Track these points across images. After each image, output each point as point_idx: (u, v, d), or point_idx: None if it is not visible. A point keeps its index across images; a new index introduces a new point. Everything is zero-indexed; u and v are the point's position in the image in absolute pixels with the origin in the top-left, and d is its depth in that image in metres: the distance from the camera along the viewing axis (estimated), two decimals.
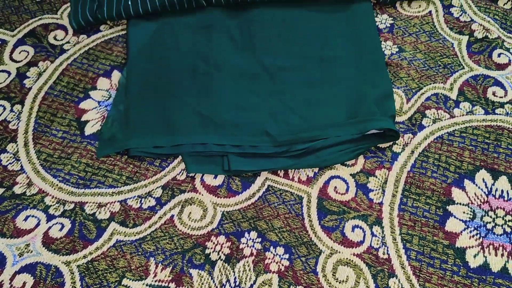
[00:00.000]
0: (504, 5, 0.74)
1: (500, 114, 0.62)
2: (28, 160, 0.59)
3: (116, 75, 0.66)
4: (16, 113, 0.63)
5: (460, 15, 0.72)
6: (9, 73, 0.67)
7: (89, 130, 0.62)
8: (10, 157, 0.59)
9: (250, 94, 0.63)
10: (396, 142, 0.60)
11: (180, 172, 0.58)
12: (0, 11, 0.74)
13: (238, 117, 0.60)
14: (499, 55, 0.68)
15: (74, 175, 0.58)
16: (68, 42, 0.70)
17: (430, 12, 0.72)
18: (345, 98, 0.61)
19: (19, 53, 0.69)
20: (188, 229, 0.54)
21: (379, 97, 0.61)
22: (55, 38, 0.70)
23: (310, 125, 0.59)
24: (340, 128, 0.58)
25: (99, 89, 0.65)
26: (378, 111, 0.59)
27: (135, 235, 0.53)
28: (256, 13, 0.70)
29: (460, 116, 0.62)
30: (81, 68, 0.67)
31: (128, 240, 0.53)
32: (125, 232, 0.54)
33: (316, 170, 0.58)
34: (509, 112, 0.62)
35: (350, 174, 0.58)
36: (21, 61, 0.68)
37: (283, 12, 0.70)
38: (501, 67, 0.67)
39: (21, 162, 0.59)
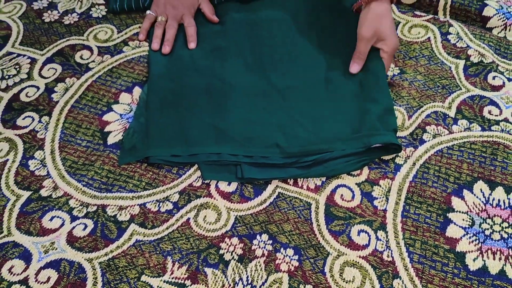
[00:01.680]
0: (498, 33, 0.80)
1: (495, 130, 0.67)
2: (54, 166, 0.63)
3: (137, 90, 0.72)
4: (44, 123, 0.68)
5: (457, 42, 0.77)
6: (38, 88, 0.72)
7: (111, 140, 0.66)
8: (38, 163, 0.64)
9: (261, 110, 0.67)
10: (399, 154, 0.64)
11: (196, 179, 0.62)
12: (31, 33, 0.80)
13: (250, 130, 0.65)
14: (494, 78, 0.73)
15: (97, 180, 0.62)
16: (93, 61, 0.75)
17: (429, 38, 0.78)
18: (349, 114, 0.66)
19: (48, 70, 0.74)
20: (203, 231, 0.57)
21: (382, 113, 0.65)
22: (81, 57, 0.76)
23: (317, 138, 0.63)
24: (346, 142, 0.62)
25: (121, 103, 0.70)
26: (381, 126, 0.63)
27: (153, 236, 0.57)
28: (267, 36, 0.76)
29: (458, 132, 0.66)
30: (105, 84, 0.73)
31: (147, 240, 0.56)
32: (144, 232, 0.57)
33: (323, 179, 0.62)
34: (504, 129, 0.67)
35: (356, 183, 0.61)
36: (50, 77, 0.73)
37: (293, 34, 0.75)
38: (496, 88, 0.72)
39: (47, 168, 0.63)
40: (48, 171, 0.63)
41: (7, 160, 0.64)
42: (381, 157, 0.64)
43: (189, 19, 0.77)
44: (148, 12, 0.79)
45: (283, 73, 0.72)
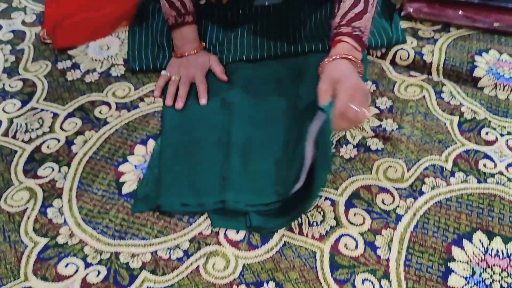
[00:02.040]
0: (489, 92, 0.85)
1: (491, 183, 0.70)
2: (71, 214, 0.67)
3: (151, 143, 0.76)
4: (63, 173, 0.72)
5: (450, 99, 0.83)
6: (58, 140, 0.77)
7: (126, 189, 0.70)
8: (55, 211, 0.67)
9: (260, 161, 0.71)
10: (399, 205, 0.67)
11: (206, 227, 0.65)
12: (54, 90, 0.86)
13: (252, 179, 0.68)
14: (487, 133, 0.77)
15: (111, 228, 0.65)
16: (111, 116, 0.81)
17: (424, 96, 0.83)
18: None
19: (69, 124, 0.80)
20: (212, 278, 0.59)
21: None
22: (100, 112, 0.82)
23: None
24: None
25: (136, 155, 0.75)
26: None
27: (164, 283, 0.59)
28: (272, 92, 0.81)
29: (455, 184, 0.70)
30: (121, 137, 0.77)
31: (158, 287, 0.58)
32: (155, 279, 0.59)
33: (327, 228, 0.64)
34: (499, 182, 0.70)
35: (359, 233, 0.64)
36: (70, 130, 0.79)
37: (296, 91, 0.81)
38: (489, 143, 0.76)
39: (64, 216, 0.66)
40: (65, 219, 0.66)
41: (27, 208, 0.67)
42: (382, 208, 0.67)
43: (201, 78, 0.83)
44: (163, 72, 0.85)
45: (285, 127, 0.76)
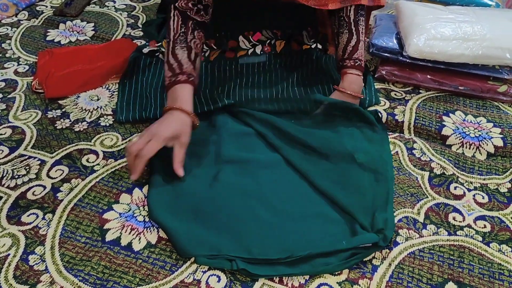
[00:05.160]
0: (456, 150, 0.92)
1: (460, 235, 0.74)
2: (53, 261, 0.67)
3: (137, 192, 0.78)
4: (47, 220, 0.73)
5: (421, 156, 0.89)
6: (44, 187, 0.78)
7: (109, 237, 0.71)
8: (37, 258, 0.67)
9: (250, 215, 0.74)
10: (375, 256, 0.70)
11: (187, 276, 0.66)
12: (43, 137, 0.88)
13: (247, 231, 0.71)
14: (455, 188, 0.83)
15: (93, 276, 0.65)
16: (98, 164, 0.83)
17: (397, 152, 0.89)
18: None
19: (56, 171, 0.81)
20: None
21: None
22: (87, 160, 0.84)
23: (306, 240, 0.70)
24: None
25: (121, 203, 0.76)
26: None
27: None
28: (258, 146, 0.86)
29: (427, 236, 0.74)
30: (107, 185, 0.79)
31: None
32: None
33: (307, 277, 0.66)
34: (467, 234, 0.74)
35: (337, 282, 0.66)
36: (56, 177, 0.80)
37: (283, 144, 0.85)
38: (457, 197, 0.81)
39: (46, 263, 0.67)
40: (46, 266, 0.66)
41: (9, 254, 0.67)
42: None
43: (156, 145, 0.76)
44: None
45: (273, 179, 0.80)
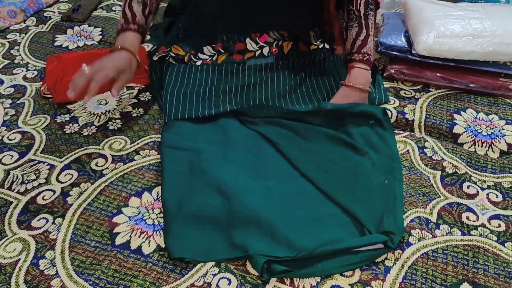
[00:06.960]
0: (468, 148, 0.90)
1: (474, 235, 0.72)
2: (63, 265, 0.67)
3: (146, 195, 0.78)
4: (57, 225, 0.73)
5: (433, 155, 0.87)
6: (54, 191, 0.79)
7: (119, 240, 0.71)
8: (47, 263, 0.67)
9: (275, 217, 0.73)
10: (388, 257, 0.69)
11: (198, 279, 0.65)
12: (52, 142, 0.89)
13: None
14: (468, 187, 0.81)
15: (103, 280, 0.65)
16: (107, 168, 0.83)
17: (408, 151, 0.88)
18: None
19: (65, 175, 0.82)
20: None
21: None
22: (96, 164, 0.84)
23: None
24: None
25: (131, 206, 0.76)
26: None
27: None
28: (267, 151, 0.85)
29: (441, 236, 0.72)
30: (116, 189, 0.79)
31: None
32: None
33: (318, 279, 0.65)
34: (482, 234, 0.73)
35: (349, 284, 0.65)
36: (66, 182, 0.80)
37: (291, 149, 0.85)
38: (471, 196, 0.79)
39: (56, 268, 0.67)
40: (57, 271, 0.66)
41: (19, 259, 0.68)
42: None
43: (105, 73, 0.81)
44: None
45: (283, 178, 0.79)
